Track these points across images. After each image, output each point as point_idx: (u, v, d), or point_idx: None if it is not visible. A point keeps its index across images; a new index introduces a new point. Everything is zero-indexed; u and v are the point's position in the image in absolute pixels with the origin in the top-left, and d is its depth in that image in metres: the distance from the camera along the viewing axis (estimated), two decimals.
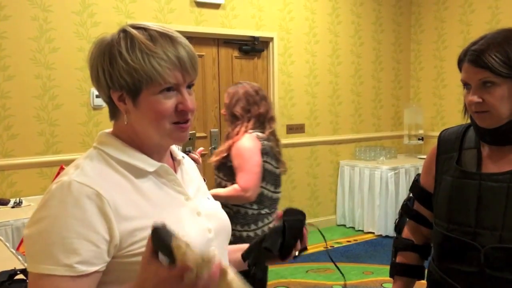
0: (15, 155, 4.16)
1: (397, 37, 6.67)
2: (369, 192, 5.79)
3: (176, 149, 1.27)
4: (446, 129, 1.64)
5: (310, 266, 4.66)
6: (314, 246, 5.33)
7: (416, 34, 6.76)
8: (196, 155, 2.35)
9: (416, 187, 1.70)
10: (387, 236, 5.60)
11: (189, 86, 1.12)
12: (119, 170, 1.08)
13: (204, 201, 1.24)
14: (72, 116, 4.38)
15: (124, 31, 1.08)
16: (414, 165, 5.88)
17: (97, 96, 4.39)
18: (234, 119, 2.81)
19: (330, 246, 5.32)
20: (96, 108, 4.46)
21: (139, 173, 1.10)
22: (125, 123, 1.11)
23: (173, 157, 1.25)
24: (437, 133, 5.77)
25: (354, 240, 5.60)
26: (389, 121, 6.75)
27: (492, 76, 1.34)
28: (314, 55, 5.88)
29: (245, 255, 1.31)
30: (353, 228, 6.02)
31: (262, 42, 5.48)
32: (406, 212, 1.73)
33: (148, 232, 1.00)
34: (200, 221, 1.16)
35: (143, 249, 1.00)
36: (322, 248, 5.19)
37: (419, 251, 1.70)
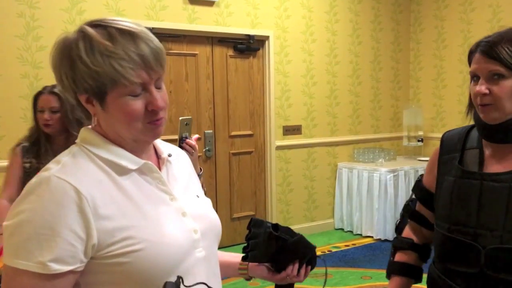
0: (1, 157, 4.08)
1: (396, 36, 6.65)
2: (368, 195, 5.75)
3: (161, 146, 1.24)
4: (449, 131, 1.66)
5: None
6: None
7: (416, 33, 6.74)
8: (193, 141, 2.29)
9: (418, 187, 1.71)
10: (386, 240, 5.57)
11: (158, 83, 1.10)
12: (101, 166, 1.07)
13: (191, 201, 1.22)
14: None
15: (81, 31, 1.05)
16: (413, 167, 5.85)
17: None
18: (77, 124, 2.73)
19: (328, 251, 5.28)
20: None
21: (122, 171, 1.09)
22: (94, 124, 1.12)
23: (158, 155, 1.23)
24: (437, 135, 5.72)
25: (353, 244, 5.57)
26: (388, 122, 6.73)
27: (503, 68, 1.36)
28: (311, 54, 5.85)
29: (251, 225, 1.32)
30: (351, 232, 5.99)
31: (257, 41, 5.44)
32: (408, 212, 1.74)
33: (128, 233, 1.02)
34: (185, 222, 1.14)
35: (122, 250, 1.01)
36: (319, 253, 5.16)
37: (418, 251, 1.70)
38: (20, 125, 4.15)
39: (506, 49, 1.35)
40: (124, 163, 1.09)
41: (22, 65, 4.15)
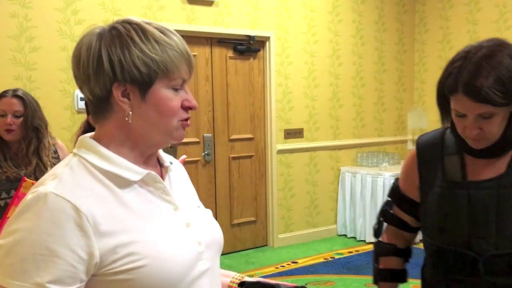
0: None
1: (401, 36, 6.62)
2: (372, 200, 5.70)
3: (163, 154, 1.22)
4: (423, 135, 1.68)
5: (310, 278, 4.58)
6: (313, 257, 5.26)
7: (421, 33, 6.71)
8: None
9: (396, 193, 1.74)
10: None
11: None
12: (101, 180, 1.03)
13: (194, 211, 1.20)
14: (54, 120, 4.24)
15: (128, 22, 1.05)
16: None
17: (81, 99, 4.30)
18: (35, 132, 2.70)
19: (331, 258, 5.24)
20: (81, 111, 4.36)
21: (123, 183, 1.06)
22: (130, 121, 1.05)
23: (160, 164, 1.20)
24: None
25: (356, 251, 5.52)
26: (392, 125, 6.68)
27: (493, 109, 1.35)
28: (313, 56, 5.80)
29: None
30: (355, 238, 5.95)
31: (258, 42, 5.40)
32: (387, 217, 1.77)
33: (131, 249, 0.98)
34: (189, 233, 1.11)
35: (125, 267, 0.98)
36: (322, 260, 5.12)
37: (402, 255, 1.77)
38: None
39: (494, 90, 1.31)
40: (125, 174, 1.05)
41: (15, 67, 4.11)
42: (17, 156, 2.64)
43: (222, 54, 5.25)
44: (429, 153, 1.60)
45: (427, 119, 6.46)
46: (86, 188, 1.00)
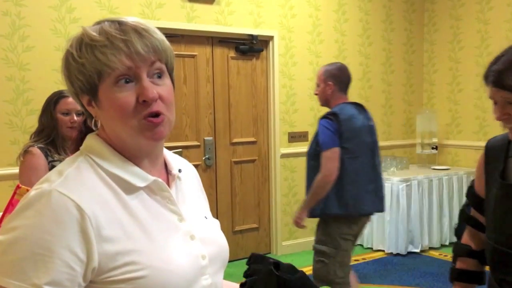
0: None
1: (409, 36, 6.58)
2: None
3: (172, 161, 1.21)
4: (493, 138, 1.77)
5: None
6: None
7: (430, 33, 6.67)
8: None
9: (470, 193, 1.83)
10: (398, 254, 5.47)
11: (159, 75, 1.06)
12: (107, 182, 1.04)
13: (200, 223, 1.19)
14: None
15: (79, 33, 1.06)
16: (427, 176, 5.72)
17: None
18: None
19: None
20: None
21: (129, 188, 1.06)
22: (97, 127, 1.09)
23: (168, 171, 1.19)
24: (452, 142, 5.71)
25: (363, 258, 5.48)
26: (400, 129, 6.63)
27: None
28: (318, 56, 5.76)
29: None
30: (362, 245, 5.89)
31: (261, 41, 5.37)
32: (464, 218, 1.87)
33: (132, 257, 0.98)
34: (193, 246, 1.11)
35: (124, 276, 0.97)
36: None
37: (477, 256, 1.82)
38: (5, 131, 4.08)
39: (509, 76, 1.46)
40: (132, 180, 1.06)
41: (7, 67, 4.06)
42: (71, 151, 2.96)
43: (223, 54, 5.20)
44: (495, 154, 1.68)
45: (436, 122, 6.41)
46: (92, 190, 1.00)
